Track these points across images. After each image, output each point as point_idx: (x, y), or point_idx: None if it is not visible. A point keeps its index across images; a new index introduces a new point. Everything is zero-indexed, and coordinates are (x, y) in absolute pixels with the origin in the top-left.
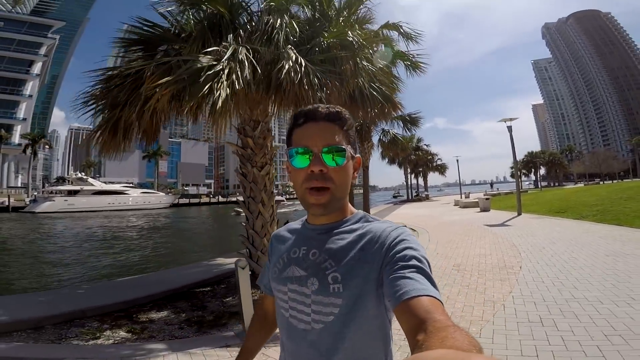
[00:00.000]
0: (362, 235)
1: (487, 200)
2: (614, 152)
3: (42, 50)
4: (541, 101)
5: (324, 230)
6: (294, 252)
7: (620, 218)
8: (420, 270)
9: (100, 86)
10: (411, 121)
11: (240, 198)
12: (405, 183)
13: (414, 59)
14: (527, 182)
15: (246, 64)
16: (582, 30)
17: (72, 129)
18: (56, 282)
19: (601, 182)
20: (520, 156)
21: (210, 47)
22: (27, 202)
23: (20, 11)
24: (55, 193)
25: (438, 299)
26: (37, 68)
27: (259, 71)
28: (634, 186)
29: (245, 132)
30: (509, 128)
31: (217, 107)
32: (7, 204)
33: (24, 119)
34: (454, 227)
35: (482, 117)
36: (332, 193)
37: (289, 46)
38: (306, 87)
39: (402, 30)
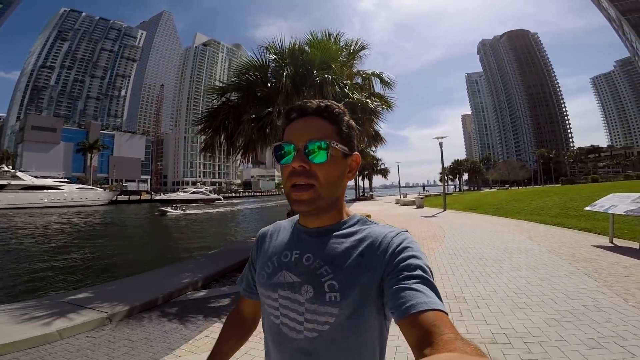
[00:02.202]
0: (361, 240)
1: (422, 199)
2: (522, 162)
3: None
4: (469, 112)
5: (318, 233)
6: (285, 255)
7: (507, 213)
8: (425, 281)
9: (205, 117)
10: (379, 139)
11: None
12: (354, 184)
13: (386, 99)
14: (452, 186)
15: None
16: (511, 48)
17: None
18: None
19: (510, 188)
20: (447, 163)
21: (294, 98)
22: None
23: None
24: None
25: (444, 312)
26: None
27: None
28: (523, 192)
29: None
30: (440, 144)
31: None
32: None
33: None
34: (400, 217)
35: (418, 124)
36: (317, 191)
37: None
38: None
39: (382, 78)
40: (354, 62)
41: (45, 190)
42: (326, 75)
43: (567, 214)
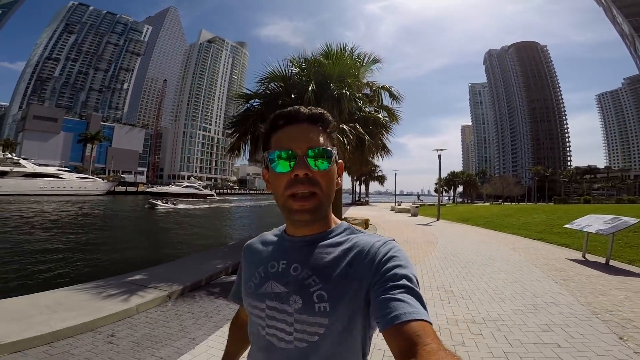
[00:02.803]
0: (348, 250)
1: (417, 208)
2: (518, 178)
3: None
4: (470, 123)
5: (306, 243)
6: (272, 266)
7: (497, 226)
8: (411, 291)
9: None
10: (386, 150)
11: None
12: (350, 189)
13: (394, 112)
14: (447, 197)
15: (350, 137)
16: (518, 60)
17: None
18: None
19: (503, 203)
20: (444, 174)
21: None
22: None
23: None
24: None
25: (429, 322)
26: None
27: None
28: (514, 208)
29: None
30: (439, 156)
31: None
32: None
33: None
34: (397, 224)
35: (417, 133)
36: (319, 199)
37: (359, 127)
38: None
39: (391, 92)
40: (365, 74)
41: (45, 178)
42: (344, 90)
43: (551, 231)
